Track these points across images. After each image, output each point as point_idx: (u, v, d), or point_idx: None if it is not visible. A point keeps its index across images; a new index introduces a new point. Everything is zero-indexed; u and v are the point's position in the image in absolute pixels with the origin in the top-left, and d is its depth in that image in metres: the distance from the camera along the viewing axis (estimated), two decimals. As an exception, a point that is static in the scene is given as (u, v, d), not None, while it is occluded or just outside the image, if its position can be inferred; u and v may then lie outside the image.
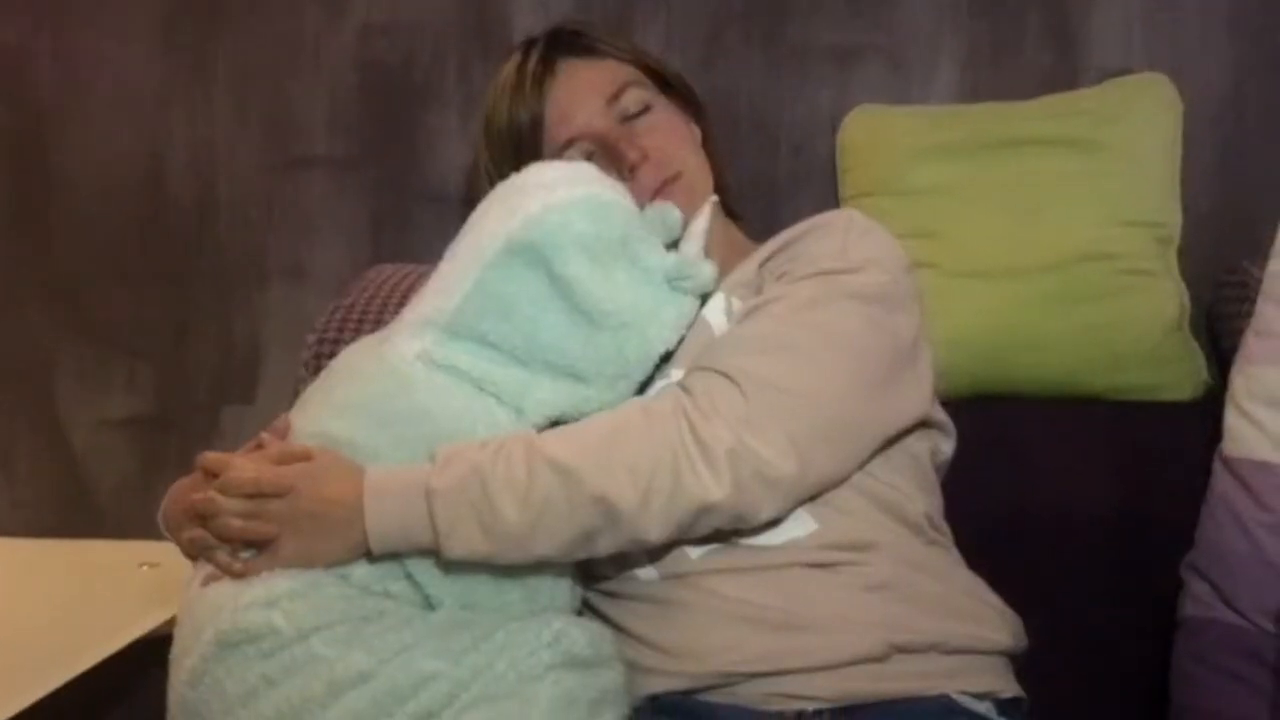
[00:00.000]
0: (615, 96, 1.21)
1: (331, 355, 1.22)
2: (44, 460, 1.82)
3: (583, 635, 1.00)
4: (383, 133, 1.72)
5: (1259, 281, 1.21)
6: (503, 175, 1.15)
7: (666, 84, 1.27)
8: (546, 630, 0.98)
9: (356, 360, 1.13)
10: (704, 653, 1.02)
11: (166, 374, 1.79)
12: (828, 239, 1.12)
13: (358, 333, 1.40)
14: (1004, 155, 1.43)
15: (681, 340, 1.11)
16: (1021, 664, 1.11)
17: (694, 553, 1.05)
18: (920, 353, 1.12)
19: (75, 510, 1.80)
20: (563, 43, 1.25)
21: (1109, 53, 1.54)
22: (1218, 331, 1.41)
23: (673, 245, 1.14)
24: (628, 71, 1.24)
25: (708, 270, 1.11)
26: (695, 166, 1.22)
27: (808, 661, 1.00)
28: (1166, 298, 1.39)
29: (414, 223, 1.72)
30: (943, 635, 1.04)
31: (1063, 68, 1.55)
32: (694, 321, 1.12)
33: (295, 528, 0.99)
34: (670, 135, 1.22)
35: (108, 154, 1.78)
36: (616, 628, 1.08)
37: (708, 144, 1.28)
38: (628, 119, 1.21)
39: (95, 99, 1.77)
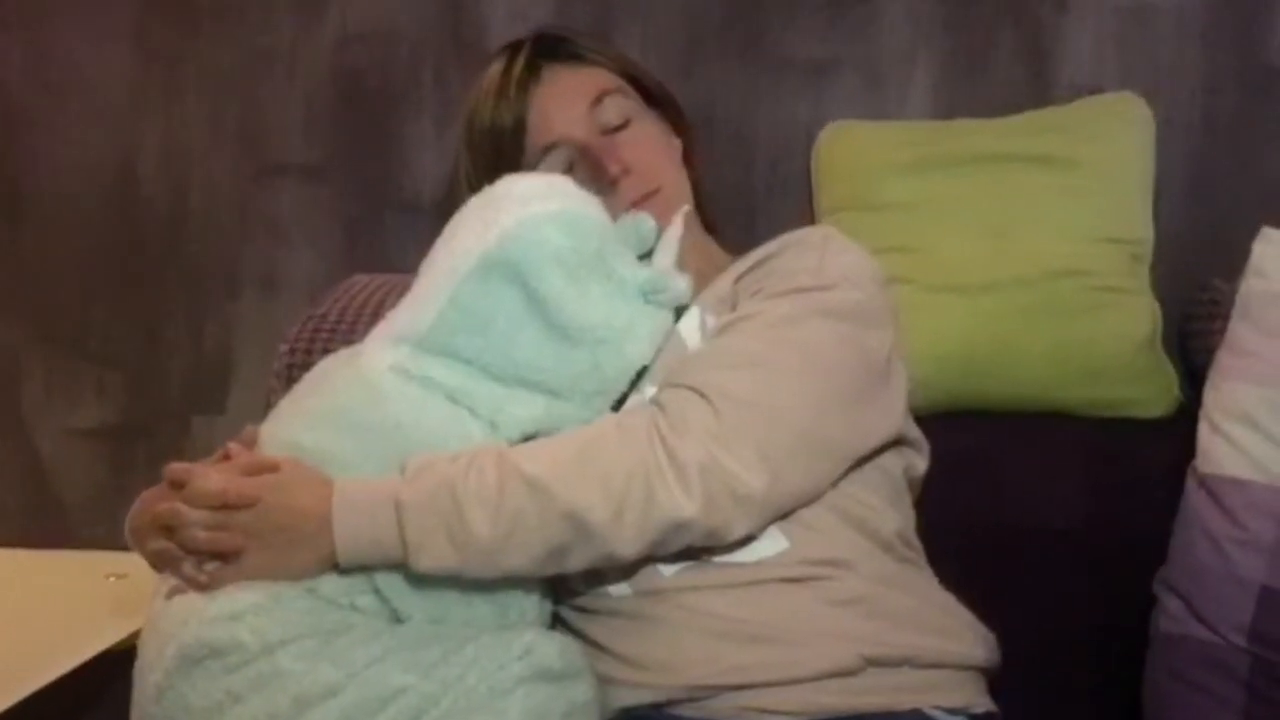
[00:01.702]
0: (597, 101, 1.20)
1: (304, 366, 1.21)
2: (10, 469, 1.80)
3: (553, 648, 0.99)
4: (358, 141, 1.71)
5: (1231, 299, 1.21)
6: (482, 179, 1.14)
7: (650, 95, 1.27)
8: (517, 643, 0.98)
9: (329, 371, 1.11)
10: (677, 666, 1.02)
11: (136, 383, 1.77)
12: (803, 256, 1.12)
13: (330, 343, 1.39)
14: (978, 171, 1.44)
15: (656, 355, 1.11)
16: (995, 679, 1.11)
17: (667, 570, 1.04)
18: (894, 370, 1.12)
19: (42, 520, 1.78)
20: (547, 48, 1.24)
21: (1082, 70, 1.55)
22: (1190, 348, 1.41)
23: (647, 255, 1.13)
24: (610, 79, 1.23)
25: (682, 284, 1.10)
26: (675, 181, 1.22)
27: (780, 675, 1.00)
28: (1139, 314, 1.40)
29: (388, 232, 1.71)
30: (915, 650, 1.03)
31: (1036, 85, 1.56)
32: (668, 336, 1.11)
33: (262, 540, 0.98)
34: (652, 149, 1.22)
35: (79, 160, 1.76)
36: (588, 642, 1.07)
37: (689, 158, 1.28)
38: (609, 131, 1.20)
39: (67, 104, 1.76)
